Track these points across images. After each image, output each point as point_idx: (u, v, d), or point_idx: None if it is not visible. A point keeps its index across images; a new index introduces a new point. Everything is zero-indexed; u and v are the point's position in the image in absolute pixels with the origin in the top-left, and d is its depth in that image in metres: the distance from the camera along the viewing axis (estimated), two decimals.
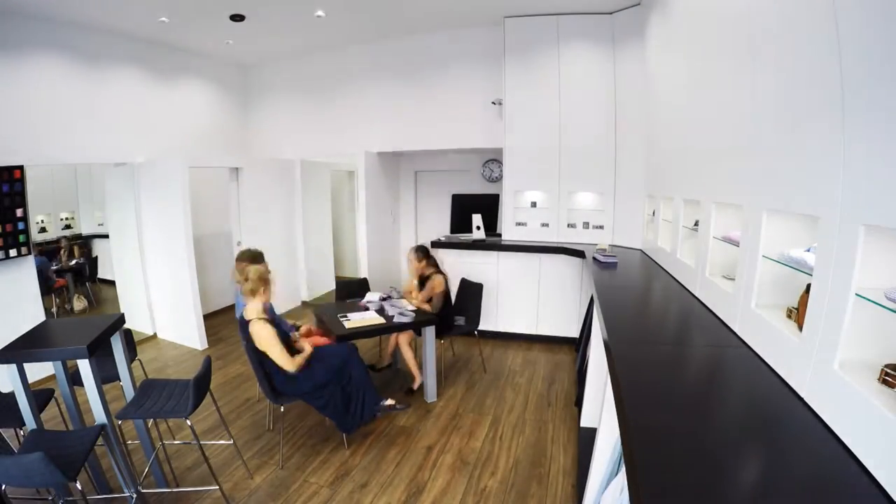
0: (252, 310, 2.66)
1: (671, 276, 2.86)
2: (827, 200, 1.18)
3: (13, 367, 2.00)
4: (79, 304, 6.20)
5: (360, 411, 2.92)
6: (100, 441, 2.08)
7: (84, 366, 2.06)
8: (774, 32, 1.56)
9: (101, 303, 6.60)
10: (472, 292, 3.97)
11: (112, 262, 5.49)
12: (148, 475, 2.49)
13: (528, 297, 4.71)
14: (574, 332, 4.55)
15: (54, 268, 6.13)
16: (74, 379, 2.27)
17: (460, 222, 5.36)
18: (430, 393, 3.53)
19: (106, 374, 2.44)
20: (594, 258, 3.51)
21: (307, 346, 2.82)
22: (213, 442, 2.96)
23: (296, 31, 4.98)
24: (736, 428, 1.17)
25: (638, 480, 0.92)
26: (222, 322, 5.48)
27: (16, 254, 3.65)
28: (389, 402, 3.06)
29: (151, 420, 2.64)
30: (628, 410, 1.17)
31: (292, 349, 2.76)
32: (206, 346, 4.72)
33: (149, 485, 2.50)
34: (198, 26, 4.68)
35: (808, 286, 1.28)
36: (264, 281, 2.68)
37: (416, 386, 3.65)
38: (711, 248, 2.16)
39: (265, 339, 2.59)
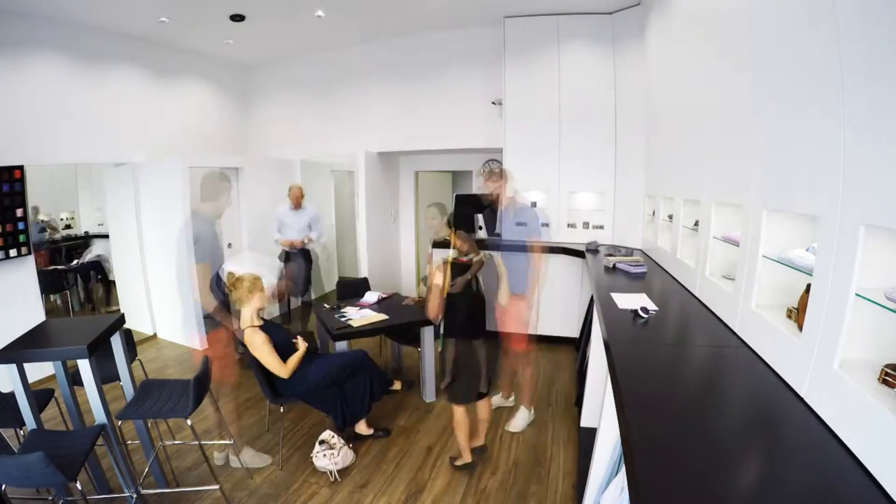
0: (244, 319, 2.67)
1: (671, 276, 2.86)
2: (827, 200, 1.18)
3: (13, 367, 2.00)
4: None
5: (359, 408, 2.93)
6: (100, 441, 2.08)
7: (84, 366, 2.06)
8: (774, 32, 1.56)
9: (101, 303, 6.59)
10: None
11: (112, 261, 5.49)
12: (148, 475, 2.49)
13: None
14: (574, 332, 4.55)
15: (61, 268, 6.11)
16: (74, 379, 2.27)
17: (463, 222, 5.35)
18: (430, 393, 3.53)
19: (106, 374, 2.44)
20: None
21: (301, 345, 2.82)
22: (212, 442, 2.95)
23: (296, 31, 4.98)
24: (736, 428, 1.17)
25: (638, 480, 0.92)
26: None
27: (16, 254, 3.65)
28: (367, 431, 3.02)
29: (151, 420, 2.64)
30: (628, 411, 1.17)
31: (290, 350, 2.77)
32: (206, 346, 4.71)
33: (149, 485, 2.49)
34: (198, 26, 4.68)
35: (808, 286, 1.28)
36: (256, 288, 2.66)
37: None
38: (711, 248, 2.16)
39: (258, 346, 2.62)
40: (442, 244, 4.85)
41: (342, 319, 3.32)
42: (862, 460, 0.96)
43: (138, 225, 4.84)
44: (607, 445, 1.89)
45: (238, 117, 6.35)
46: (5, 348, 2.02)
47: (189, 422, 2.24)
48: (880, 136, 1.00)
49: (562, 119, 4.54)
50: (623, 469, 1.47)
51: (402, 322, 3.40)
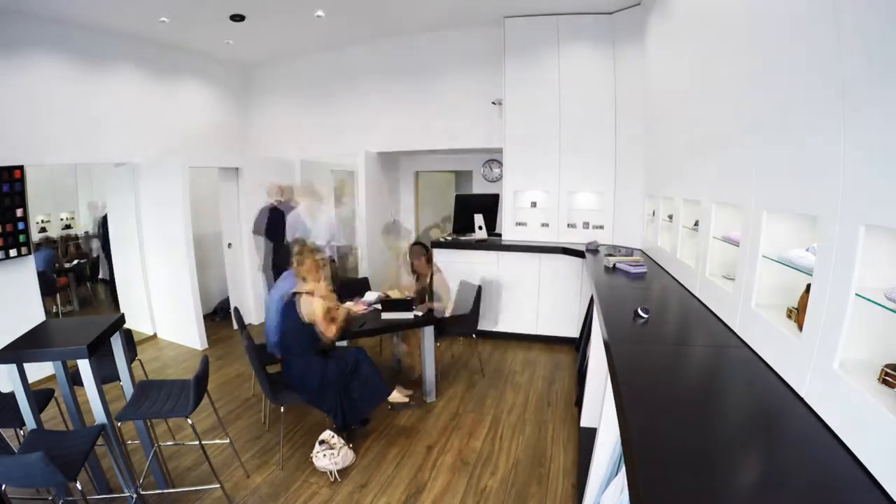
0: (303, 288, 2.88)
1: (671, 276, 2.86)
2: (827, 200, 1.18)
3: (13, 367, 2.00)
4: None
5: (360, 409, 2.94)
6: (100, 441, 2.08)
7: (84, 366, 2.06)
8: (774, 32, 1.56)
9: (101, 303, 6.59)
10: (470, 294, 3.96)
11: (112, 261, 5.49)
12: (148, 475, 2.49)
13: (528, 297, 4.71)
14: (574, 332, 4.55)
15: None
16: (74, 379, 2.27)
17: (463, 222, 5.36)
18: (430, 393, 3.53)
19: (106, 374, 2.44)
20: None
21: (341, 311, 3.01)
22: (211, 442, 2.95)
23: (296, 31, 4.98)
24: (736, 428, 1.17)
25: (638, 480, 0.92)
26: (222, 322, 5.48)
27: (16, 254, 3.65)
28: (403, 399, 3.06)
29: (151, 420, 2.64)
30: (628, 410, 1.17)
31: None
32: (206, 346, 4.72)
33: (149, 485, 2.49)
34: (198, 26, 4.68)
35: (808, 286, 1.28)
36: (317, 268, 2.95)
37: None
38: (711, 248, 2.16)
39: (315, 308, 2.80)
40: (441, 244, 4.88)
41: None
42: (862, 460, 0.96)
43: (138, 225, 4.84)
44: (607, 445, 1.89)
45: (238, 117, 6.35)
46: (5, 348, 2.02)
47: (190, 421, 2.25)
48: (880, 137, 1.00)
49: (562, 119, 4.54)
50: (623, 469, 1.47)
51: (402, 322, 3.40)
